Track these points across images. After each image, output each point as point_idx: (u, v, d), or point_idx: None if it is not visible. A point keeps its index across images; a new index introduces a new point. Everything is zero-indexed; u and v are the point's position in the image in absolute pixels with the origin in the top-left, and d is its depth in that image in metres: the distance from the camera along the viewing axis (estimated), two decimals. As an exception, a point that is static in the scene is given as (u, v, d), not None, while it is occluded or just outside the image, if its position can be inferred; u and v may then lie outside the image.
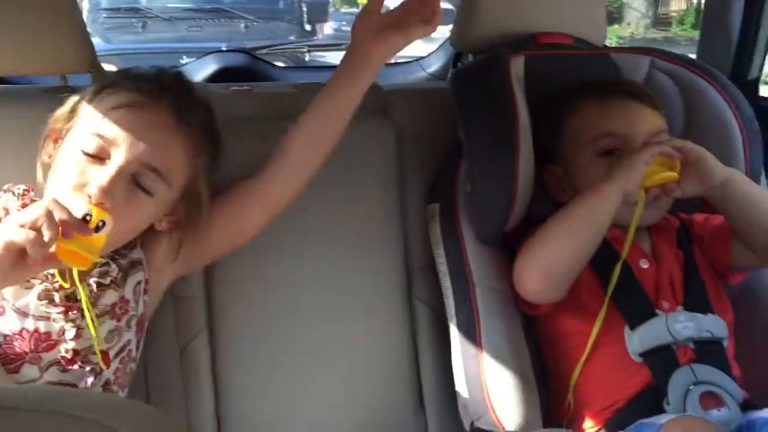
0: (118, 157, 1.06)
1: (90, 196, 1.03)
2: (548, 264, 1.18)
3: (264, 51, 2.73)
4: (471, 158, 1.30)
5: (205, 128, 1.17)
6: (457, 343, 1.27)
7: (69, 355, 1.08)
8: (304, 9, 5.02)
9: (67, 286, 1.08)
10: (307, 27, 4.99)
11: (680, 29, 11.67)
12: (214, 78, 2.29)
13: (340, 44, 3.13)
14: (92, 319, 1.08)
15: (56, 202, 0.96)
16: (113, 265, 1.14)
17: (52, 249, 0.93)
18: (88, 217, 0.99)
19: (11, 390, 0.59)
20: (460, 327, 1.26)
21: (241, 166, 1.34)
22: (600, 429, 1.17)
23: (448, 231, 1.33)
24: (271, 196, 1.24)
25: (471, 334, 1.23)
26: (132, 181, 1.07)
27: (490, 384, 1.18)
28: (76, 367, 1.09)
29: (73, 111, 1.14)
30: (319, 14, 5.61)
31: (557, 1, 1.49)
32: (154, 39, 4.26)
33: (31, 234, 0.91)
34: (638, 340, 1.17)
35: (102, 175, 1.04)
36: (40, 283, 1.08)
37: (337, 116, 1.21)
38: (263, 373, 1.38)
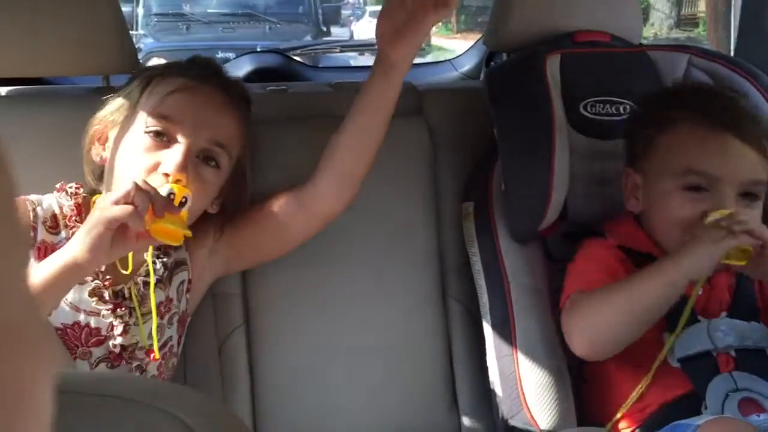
0: (186, 135, 1.10)
1: (167, 175, 1.07)
2: (600, 339, 1.13)
3: (297, 51, 2.75)
4: (506, 157, 1.30)
5: (244, 99, 1.24)
6: (491, 342, 1.27)
7: (117, 350, 1.12)
8: (320, 13, 6.19)
9: (128, 271, 1.12)
10: (323, 28, 6.13)
11: (704, 29, 11.55)
12: (250, 78, 2.31)
13: (371, 44, 3.17)
14: (141, 314, 1.13)
15: (141, 183, 1.00)
16: (159, 264, 1.17)
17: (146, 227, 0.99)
18: (171, 196, 1.04)
19: (68, 374, 0.61)
20: (494, 325, 1.26)
21: (279, 165, 1.37)
22: (635, 429, 1.17)
23: (483, 229, 1.33)
24: (317, 207, 1.25)
25: (506, 332, 1.23)
26: (199, 156, 1.12)
27: (525, 382, 1.18)
28: (123, 363, 1.13)
29: (119, 107, 1.17)
30: (332, 17, 7.10)
31: (594, -2, 1.48)
32: (195, 38, 5.27)
33: (129, 208, 0.96)
34: (677, 345, 1.15)
35: (175, 153, 1.09)
36: (92, 281, 1.12)
37: (374, 123, 1.22)
38: (299, 370, 1.39)
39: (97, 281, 1.12)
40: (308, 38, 5.34)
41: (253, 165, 1.27)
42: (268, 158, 1.42)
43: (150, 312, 1.14)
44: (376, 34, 1.17)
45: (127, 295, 1.13)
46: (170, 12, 5.64)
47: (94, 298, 1.11)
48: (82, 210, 1.15)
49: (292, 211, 1.25)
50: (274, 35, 5.27)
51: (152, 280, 1.12)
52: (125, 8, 6.15)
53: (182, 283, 1.21)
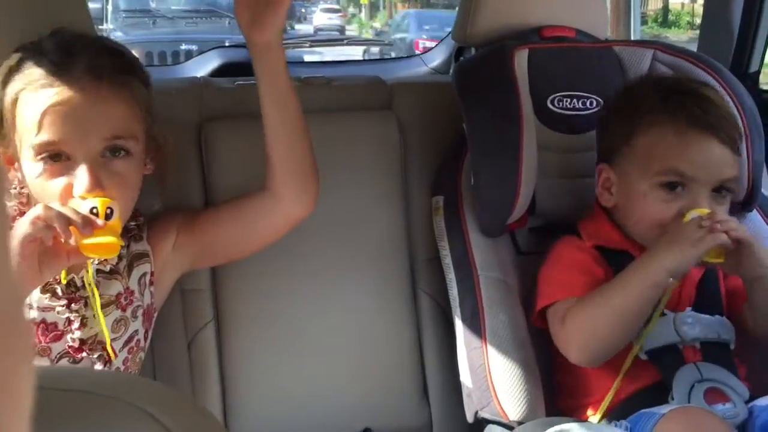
0: (79, 151, 1.03)
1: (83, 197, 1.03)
2: (597, 348, 1.15)
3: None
4: (474, 151, 1.31)
5: (121, 69, 1.10)
6: (461, 334, 1.28)
7: (76, 344, 1.10)
8: None
9: (64, 280, 1.10)
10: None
11: (647, 28, 11.82)
12: (218, 72, 2.29)
13: (341, 39, 3.20)
14: (98, 308, 1.10)
15: (58, 212, 0.96)
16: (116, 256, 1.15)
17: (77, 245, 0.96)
18: (95, 210, 1.01)
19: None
20: (464, 318, 1.27)
21: (248, 160, 1.36)
22: (603, 419, 1.18)
23: (452, 223, 1.34)
24: (281, 211, 1.23)
25: (475, 325, 1.24)
26: (104, 155, 1.06)
27: (494, 374, 1.19)
28: (84, 355, 1.11)
29: (8, 129, 1.08)
30: (289, 13, 7.66)
31: (560, -7, 1.50)
32: (160, 32, 5.91)
33: (40, 222, 0.94)
34: (646, 339, 1.17)
35: (81, 175, 1.03)
36: None
37: (286, 117, 1.21)
38: (269, 364, 1.39)
39: None
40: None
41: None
42: (236, 153, 1.41)
43: (107, 304, 1.12)
44: (239, 23, 1.16)
45: (80, 284, 1.11)
46: (137, 9, 6.40)
47: (47, 294, 1.09)
48: (25, 211, 1.09)
49: (258, 214, 1.24)
50: (234, 29, 5.54)
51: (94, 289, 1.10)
52: (94, 5, 6.68)
53: (144, 275, 1.19)
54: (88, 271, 1.11)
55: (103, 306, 1.12)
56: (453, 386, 1.34)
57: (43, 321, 1.09)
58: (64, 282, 1.10)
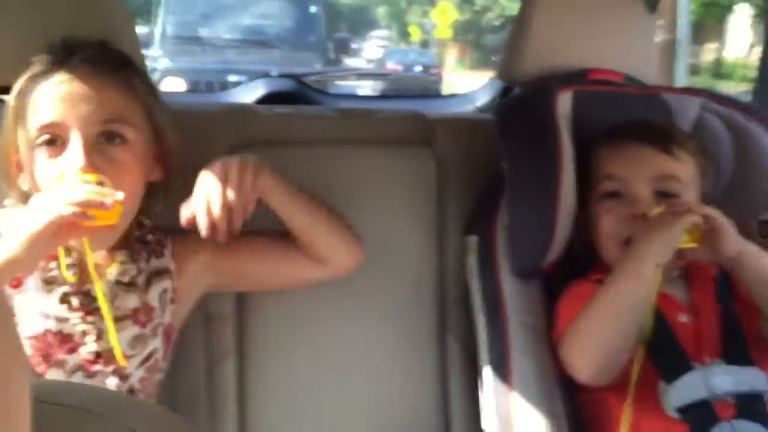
0: (74, 132, 1.06)
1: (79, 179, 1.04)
2: (599, 356, 1.14)
3: (312, 78, 2.76)
4: (512, 191, 1.28)
5: (120, 63, 1.15)
6: (487, 380, 1.23)
7: (91, 357, 1.10)
8: (330, 43, 6.68)
9: (73, 280, 1.10)
10: (332, 57, 6.73)
11: (700, 79, 11.93)
12: (263, 102, 2.32)
13: (387, 74, 3.21)
14: (109, 314, 1.09)
15: (83, 196, 0.99)
16: (134, 267, 1.15)
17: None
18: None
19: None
20: (491, 363, 1.23)
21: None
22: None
23: (485, 264, 1.31)
24: (325, 264, 1.25)
25: (501, 371, 1.20)
26: (100, 141, 1.08)
27: (517, 423, 1.15)
28: (98, 368, 1.10)
29: (10, 129, 1.12)
30: (342, 48, 7.53)
31: (609, 37, 1.47)
32: (208, 61, 5.67)
33: (75, 208, 0.97)
34: (674, 395, 1.12)
35: (73, 155, 1.05)
36: (60, 287, 1.10)
37: (287, 212, 1.22)
38: (290, 399, 1.37)
39: (65, 287, 1.10)
40: (318, 66, 5.82)
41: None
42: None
43: (123, 317, 1.12)
44: None
45: (94, 294, 1.10)
46: (186, 36, 6.05)
47: (64, 305, 1.10)
48: None
49: (301, 263, 1.24)
50: (284, 62, 5.50)
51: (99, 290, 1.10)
52: (144, 29, 6.59)
53: (165, 291, 1.18)
54: (100, 281, 1.10)
55: (119, 319, 1.11)
56: (477, 432, 1.29)
57: (60, 332, 1.09)
58: (64, 273, 1.10)
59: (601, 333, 1.13)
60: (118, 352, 1.09)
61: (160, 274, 1.18)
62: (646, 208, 1.19)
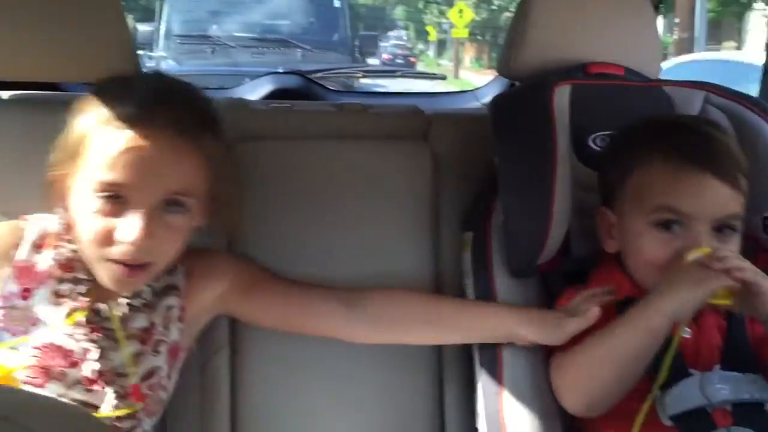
0: (140, 199, 1.02)
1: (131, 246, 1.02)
2: (591, 395, 1.09)
3: (319, 75, 2.75)
4: (505, 186, 1.25)
5: (203, 125, 1.09)
6: (480, 379, 1.22)
7: (91, 375, 1.07)
8: (357, 42, 5.79)
9: (82, 315, 1.09)
10: (359, 57, 5.71)
11: None
12: (269, 98, 2.31)
13: (394, 71, 3.18)
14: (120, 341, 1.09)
15: None
16: (147, 289, 1.13)
17: None
18: None
19: None
20: (483, 363, 1.21)
21: (277, 180, 1.36)
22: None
23: (479, 261, 1.28)
24: (351, 331, 1.25)
25: (493, 370, 1.18)
26: (161, 207, 1.04)
27: (508, 423, 1.12)
28: (97, 388, 1.08)
29: (70, 155, 1.07)
30: (369, 47, 6.56)
31: (610, 30, 1.44)
32: (221, 63, 4.76)
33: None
34: (669, 402, 1.08)
35: (131, 221, 1.01)
36: (70, 301, 1.09)
37: (451, 333, 1.25)
38: (281, 397, 1.35)
39: (73, 303, 1.09)
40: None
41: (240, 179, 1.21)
42: (266, 173, 1.39)
43: (132, 337, 1.11)
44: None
45: (106, 315, 1.10)
46: (194, 34, 5.11)
47: (70, 321, 1.08)
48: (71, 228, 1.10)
49: (325, 314, 1.23)
50: (305, 63, 4.66)
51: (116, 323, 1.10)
52: (147, 27, 5.81)
53: (170, 309, 1.16)
54: (120, 303, 1.11)
55: (127, 338, 1.10)
56: (472, 432, 1.27)
57: (62, 347, 1.07)
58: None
59: (596, 375, 1.08)
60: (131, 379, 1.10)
61: (168, 290, 1.16)
62: (696, 246, 1.09)
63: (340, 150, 1.45)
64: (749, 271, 1.05)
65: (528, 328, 1.16)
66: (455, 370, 1.36)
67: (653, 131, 1.18)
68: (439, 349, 1.38)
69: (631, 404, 1.09)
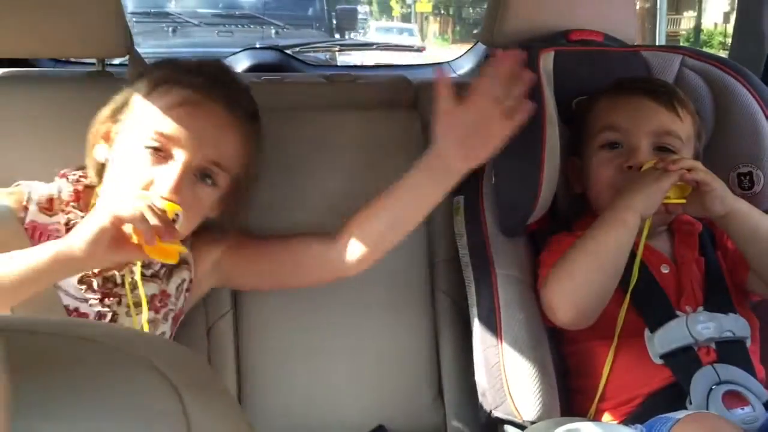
0: (182, 155, 1.08)
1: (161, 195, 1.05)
2: (579, 298, 1.16)
3: (297, 49, 2.76)
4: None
5: (251, 114, 1.19)
6: (477, 333, 1.27)
7: None
8: (333, 17, 5.28)
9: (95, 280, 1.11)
10: (336, 35, 5.20)
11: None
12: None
13: (371, 44, 3.18)
14: (132, 307, 1.13)
15: (151, 207, 0.98)
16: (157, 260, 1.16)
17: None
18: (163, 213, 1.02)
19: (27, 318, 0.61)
20: (480, 317, 1.27)
21: (272, 155, 1.37)
22: (619, 423, 1.17)
23: (472, 223, 1.34)
24: (335, 265, 1.24)
25: (491, 323, 1.24)
26: (196, 175, 1.10)
27: (509, 373, 1.18)
28: None
29: (120, 109, 1.14)
30: (348, 22, 5.85)
31: (588, -3, 1.49)
32: (184, 44, 4.18)
33: (138, 211, 0.96)
34: (658, 342, 1.16)
35: (170, 173, 1.07)
36: None
37: (403, 221, 1.22)
38: (286, 357, 1.40)
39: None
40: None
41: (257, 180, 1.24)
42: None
43: (139, 302, 1.14)
44: (436, 130, 1.18)
45: (119, 282, 1.13)
46: (151, 11, 4.49)
47: (83, 286, 1.12)
48: (81, 197, 1.15)
49: (310, 258, 1.25)
50: (279, 40, 4.09)
51: (139, 275, 1.13)
52: None
53: (183, 281, 1.21)
54: (133, 271, 1.14)
55: (136, 305, 1.13)
56: (468, 387, 1.33)
57: (76, 310, 1.11)
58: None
59: (582, 276, 1.15)
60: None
61: (181, 264, 1.20)
62: (642, 160, 1.21)
63: (331, 120, 1.48)
64: (701, 171, 1.15)
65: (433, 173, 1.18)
66: (449, 323, 1.43)
67: (605, 86, 1.32)
68: (433, 306, 1.44)
69: (612, 311, 1.18)
